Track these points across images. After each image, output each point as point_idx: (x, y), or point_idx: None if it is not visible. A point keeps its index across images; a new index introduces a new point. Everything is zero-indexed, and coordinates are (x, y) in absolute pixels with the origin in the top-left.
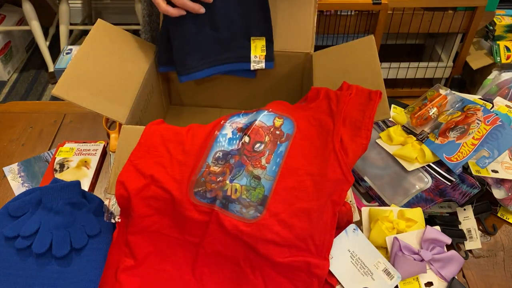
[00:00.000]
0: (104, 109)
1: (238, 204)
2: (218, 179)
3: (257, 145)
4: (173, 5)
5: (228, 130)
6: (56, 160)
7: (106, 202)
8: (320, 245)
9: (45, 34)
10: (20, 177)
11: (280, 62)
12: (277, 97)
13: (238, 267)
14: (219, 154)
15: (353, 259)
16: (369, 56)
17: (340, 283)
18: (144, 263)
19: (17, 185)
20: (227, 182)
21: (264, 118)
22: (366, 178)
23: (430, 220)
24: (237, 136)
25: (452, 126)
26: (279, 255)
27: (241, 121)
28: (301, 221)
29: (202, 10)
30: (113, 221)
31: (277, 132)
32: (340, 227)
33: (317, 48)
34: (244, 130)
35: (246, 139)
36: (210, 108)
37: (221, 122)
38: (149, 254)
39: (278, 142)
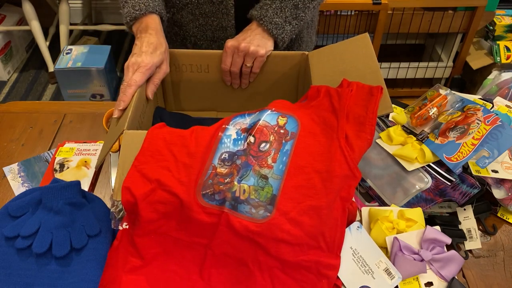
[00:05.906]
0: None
1: (247, 204)
2: (225, 181)
3: (263, 144)
4: None
5: (232, 131)
6: (56, 160)
7: (112, 209)
8: (330, 242)
9: (45, 34)
10: (20, 177)
11: (275, 63)
12: (274, 98)
13: (247, 268)
14: (225, 155)
15: (354, 257)
16: (366, 53)
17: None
18: (151, 263)
19: (17, 185)
20: (235, 183)
21: (267, 118)
22: (366, 178)
23: (430, 220)
24: (242, 136)
25: (452, 126)
26: (290, 254)
27: (244, 121)
28: (311, 218)
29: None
30: (120, 228)
31: (282, 131)
32: None
33: (317, 48)
34: (248, 130)
35: (251, 139)
36: (207, 112)
37: (224, 125)
38: (156, 255)
39: (283, 141)
